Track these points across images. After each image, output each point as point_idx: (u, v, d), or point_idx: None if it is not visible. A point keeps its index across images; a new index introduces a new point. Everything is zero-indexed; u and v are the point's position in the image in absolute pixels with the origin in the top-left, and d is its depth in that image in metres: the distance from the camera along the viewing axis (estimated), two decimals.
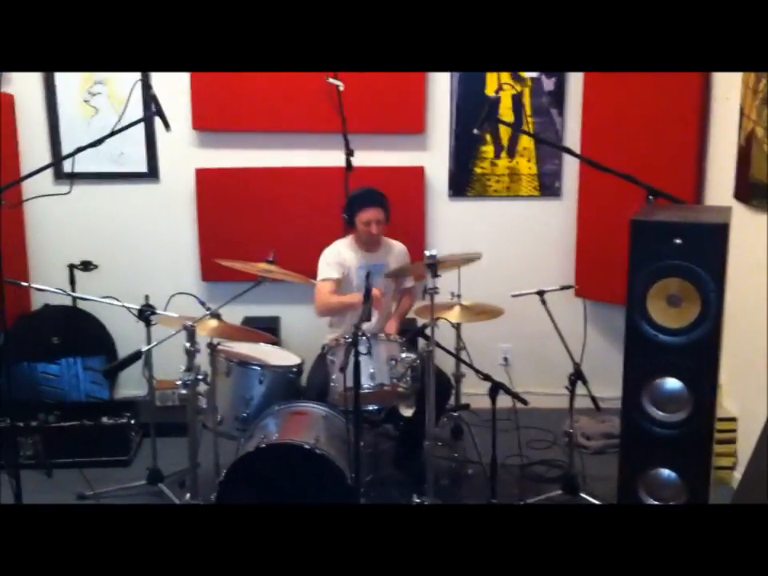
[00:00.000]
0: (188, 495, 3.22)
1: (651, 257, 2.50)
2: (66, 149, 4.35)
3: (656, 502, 2.68)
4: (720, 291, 2.46)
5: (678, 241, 2.46)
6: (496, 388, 3.17)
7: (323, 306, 3.70)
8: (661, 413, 2.61)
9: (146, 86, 3.21)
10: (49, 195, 3.56)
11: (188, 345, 3.02)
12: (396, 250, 3.89)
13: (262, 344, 3.65)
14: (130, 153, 4.40)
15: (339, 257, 3.75)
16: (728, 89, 3.68)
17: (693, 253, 2.45)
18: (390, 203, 3.73)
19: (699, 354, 2.52)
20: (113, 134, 3.20)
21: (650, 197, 3.10)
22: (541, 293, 3.50)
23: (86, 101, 4.36)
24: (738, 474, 3.59)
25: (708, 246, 2.45)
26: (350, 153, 4.00)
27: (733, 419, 3.64)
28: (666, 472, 2.66)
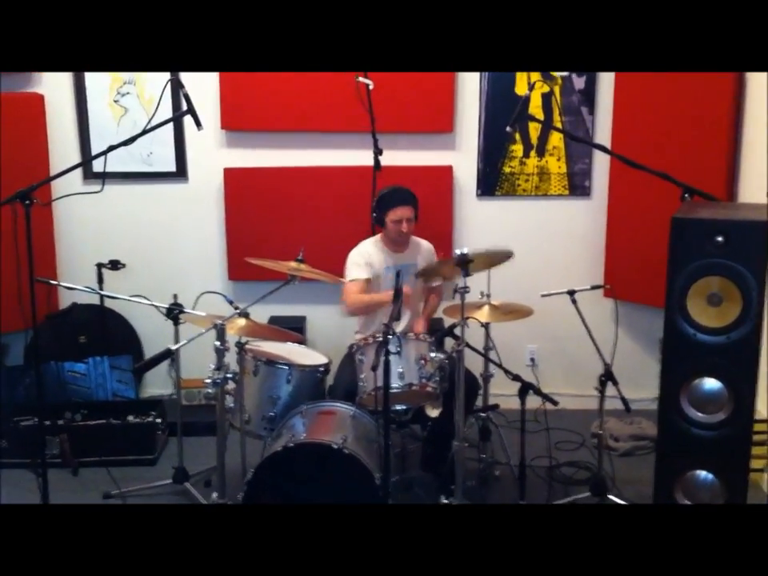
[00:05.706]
0: (215, 494, 3.19)
1: (692, 255, 2.47)
2: (95, 148, 4.37)
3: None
4: (762, 290, 2.42)
5: (719, 239, 2.42)
6: (526, 388, 3.13)
7: (353, 304, 3.67)
8: (699, 413, 2.57)
9: (179, 85, 3.19)
10: (79, 194, 3.55)
11: (218, 343, 3.01)
12: (424, 249, 3.86)
13: (289, 343, 3.64)
14: (158, 153, 4.41)
15: (367, 257, 3.72)
16: (762, 87, 3.62)
17: (735, 251, 2.42)
18: (419, 202, 3.71)
19: (739, 354, 2.48)
20: (144, 132, 3.19)
21: (686, 195, 3.05)
22: (572, 292, 3.45)
23: (115, 101, 4.37)
24: None
25: (751, 244, 2.41)
26: (378, 152, 3.98)
27: (765, 421, 3.57)
28: (703, 474, 2.61)
